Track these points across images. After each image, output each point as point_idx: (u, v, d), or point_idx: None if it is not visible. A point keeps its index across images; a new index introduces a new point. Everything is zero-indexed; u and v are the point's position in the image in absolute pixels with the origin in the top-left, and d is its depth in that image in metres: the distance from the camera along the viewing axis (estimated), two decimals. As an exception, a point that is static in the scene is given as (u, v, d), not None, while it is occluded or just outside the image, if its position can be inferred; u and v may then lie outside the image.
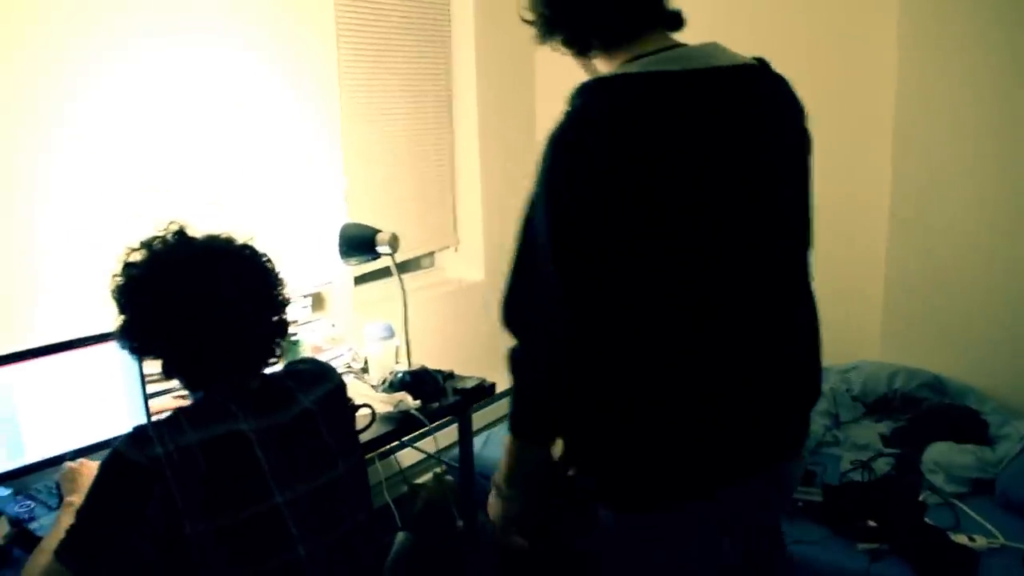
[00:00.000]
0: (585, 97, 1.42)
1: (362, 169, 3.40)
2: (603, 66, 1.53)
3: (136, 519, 1.40)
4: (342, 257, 2.80)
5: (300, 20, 2.99)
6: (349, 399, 1.77)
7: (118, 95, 2.50)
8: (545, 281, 1.42)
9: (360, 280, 3.45)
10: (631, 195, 1.36)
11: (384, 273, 3.53)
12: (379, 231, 2.76)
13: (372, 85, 3.45)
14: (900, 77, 3.27)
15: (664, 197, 1.38)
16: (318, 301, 3.19)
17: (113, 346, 2.14)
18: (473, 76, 3.85)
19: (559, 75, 3.95)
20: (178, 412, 1.51)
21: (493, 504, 1.72)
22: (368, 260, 2.84)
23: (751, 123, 1.46)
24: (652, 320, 1.42)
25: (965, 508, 2.69)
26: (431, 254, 4.08)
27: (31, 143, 2.33)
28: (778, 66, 1.54)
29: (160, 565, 1.44)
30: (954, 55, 3.16)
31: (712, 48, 1.48)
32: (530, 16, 1.58)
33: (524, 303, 1.47)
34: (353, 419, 1.78)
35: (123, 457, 1.43)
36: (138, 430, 1.47)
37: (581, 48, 1.55)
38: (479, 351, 3.94)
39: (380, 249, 2.74)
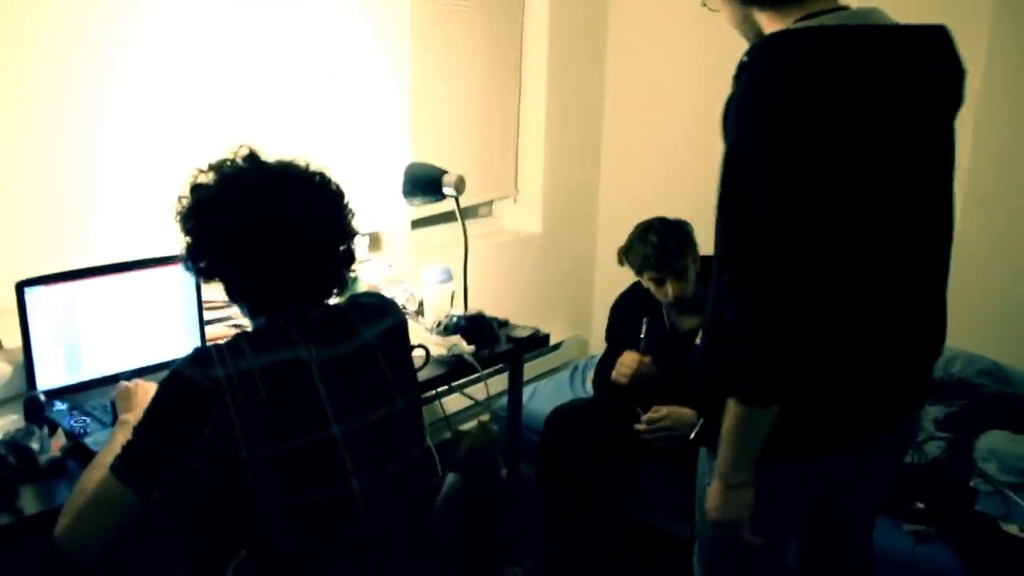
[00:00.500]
0: (778, 50, 1.44)
1: (428, 110, 3.36)
2: (769, 22, 1.52)
3: (193, 439, 1.40)
4: (405, 196, 2.76)
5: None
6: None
7: (183, 20, 2.47)
8: (765, 231, 1.40)
9: (416, 224, 3.42)
10: (835, 143, 1.38)
11: (439, 219, 3.51)
12: (445, 172, 2.72)
13: (445, 26, 3.39)
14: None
15: (861, 148, 1.40)
16: (375, 241, 3.18)
17: (174, 270, 2.18)
18: (546, 28, 3.80)
19: (631, 41, 4.01)
20: (240, 336, 1.50)
21: (720, 501, 1.57)
22: (431, 201, 2.81)
23: (931, 82, 1.49)
24: (843, 268, 1.44)
25: (1016, 498, 2.61)
26: (490, 203, 4.05)
27: (94, 65, 2.32)
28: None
29: (215, 486, 1.44)
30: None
31: (877, 10, 1.49)
32: None
33: (746, 254, 1.43)
34: (411, 356, 1.76)
35: (183, 376, 1.42)
36: (200, 351, 1.46)
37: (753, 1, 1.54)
38: (532, 301, 3.95)
39: (446, 190, 2.70)
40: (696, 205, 3.86)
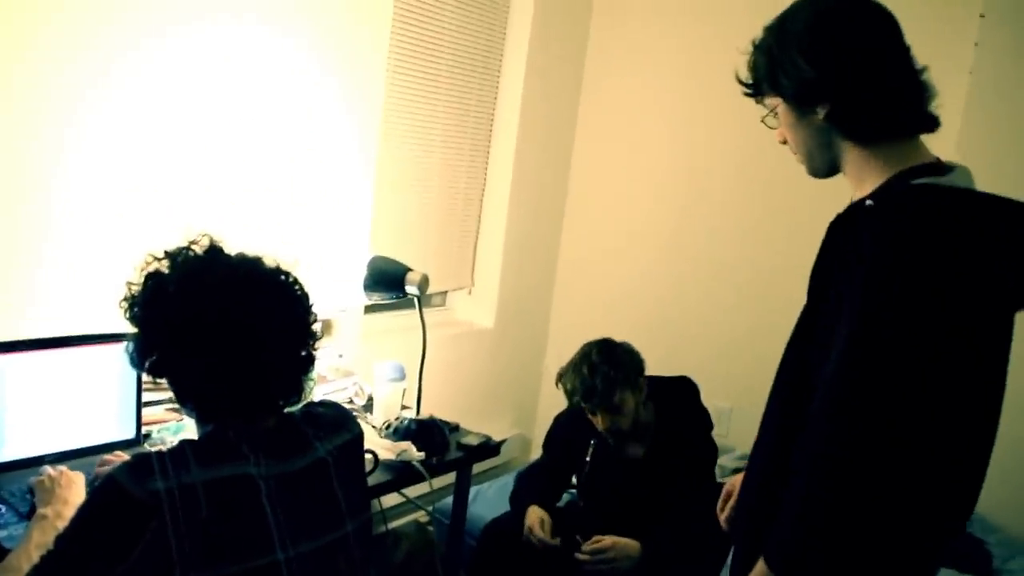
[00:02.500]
0: (933, 211, 1.31)
1: (389, 195, 3.31)
2: (862, 161, 1.41)
3: (122, 558, 1.27)
4: (366, 289, 2.68)
5: (355, 35, 2.90)
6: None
7: (141, 89, 2.38)
8: (909, 420, 1.29)
9: (369, 309, 3.33)
10: (983, 327, 1.32)
11: (395, 304, 3.43)
12: (410, 269, 2.64)
13: (415, 113, 3.36)
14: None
15: (989, 334, 1.34)
16: (325, 326, 3.08)
17: (112, 349, 2.05)
18: (515, 124, 3.80)
19: (597, 144, 4.04)
20: (185, 444, 1.39)
21: None
22: (392, 298, 2.73)
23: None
24: (930, 453, 1.33)
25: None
26: (443, 293, 3.97)
27: (48, 137, 2.22)
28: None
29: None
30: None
31: (969, 171, 1.40)
32: (788, 76, 1.41)
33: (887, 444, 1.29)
34: (365, 474, 1.65)
35: (119, 486, 1.29)
36: (140, 459, 1.34)
37: (847, 128, 1.41)
38: (479, 397, 3.88)
39: (409, 289, 2.62)
40: (647, 316, 3.90)
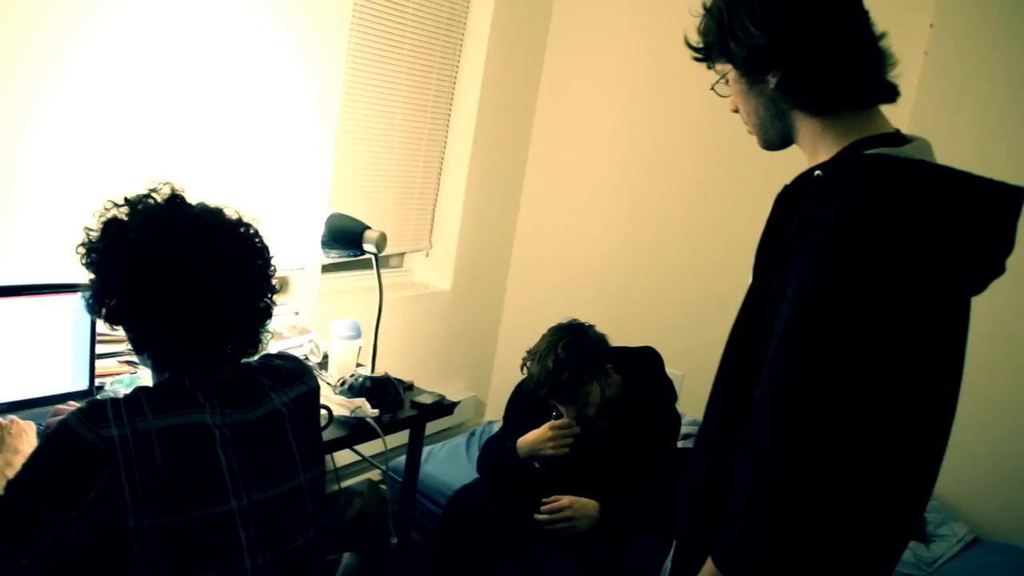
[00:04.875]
0: (887, 180, 1.24)
1: (350, 155, 3.29)
2: (814, 133, 1.36)
3: (75, 504, 1.27)
4: (323, 246, 2.67)
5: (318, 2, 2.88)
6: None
7: (105, 41, 2.34)
8: (864, 407, 1.22)
9: (326, 268, 3.32)
10: (940, 302, 1.26)
11: (352, 264, 3.43)
12: (368, 227, 2.64)
13: (378, 73, 3.34)
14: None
15: (948, 311, 1.29)
16: (282, 284, 3.07)
17: (67, 299, 2.03)
18: (478, 88, 3.78)
19: (558, 111, 4.03)
20: (140, 392, 1.39)
21: None
22: (350, 255, 2.73)
23: (994, 247, 1.33)
24: (888, 440, 1.29)
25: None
26: (401, 254, 3.97)
27: (8, 87, 2.18)
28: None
29: (94, 557, 1.31)
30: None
31: (930, 145, 1.34)
32: (738, 41, 1.34)
33: (827, 418, 1.22)
34: (320, 427, 1.66)
35: (73, 432, 1.30)
36: (94, 405, 1.34)
37: (800, 97, 1.35)
38: (434, 358, 3.89)
39: (366, 247, 2.62)
40: (603, 284, 3.94)
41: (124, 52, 2.37)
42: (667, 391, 2.73)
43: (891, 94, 1.35)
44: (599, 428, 2.62)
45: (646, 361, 2.75)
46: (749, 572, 1.28)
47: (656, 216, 3.83)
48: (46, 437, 1.33)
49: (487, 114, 3.85)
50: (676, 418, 2.74)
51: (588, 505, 2.54)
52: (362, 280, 3.54)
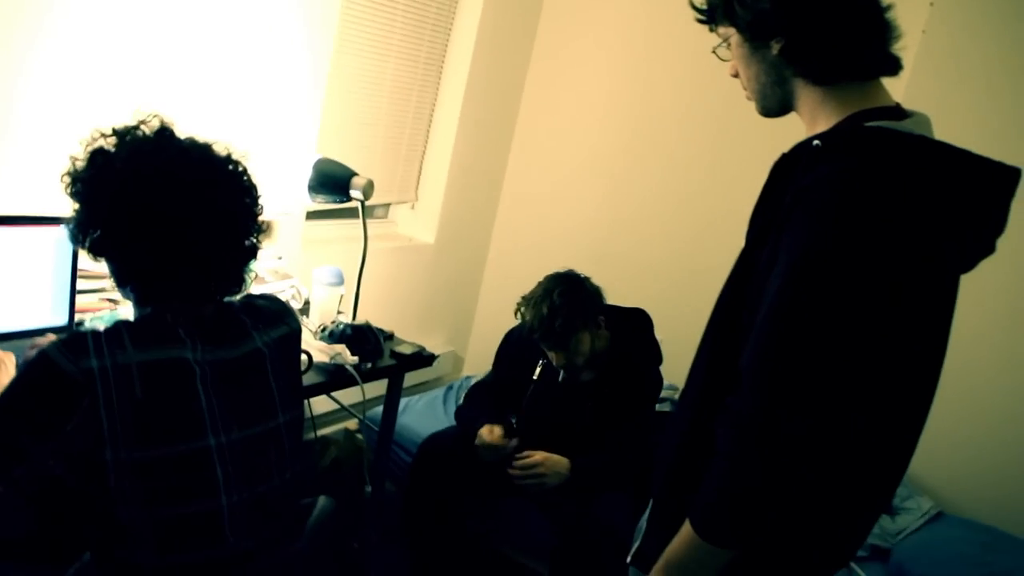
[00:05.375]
0: (885, 154, 1.23)
1: (341, 102, 3.26)
2: (815, 102, 1.34)
3: (53, 433, 1.28)
4: (310, 191, 2.65)
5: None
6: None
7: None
8: (846, 371, 1.22)
9: (310, 216, 3.31)
10: (933, 276, 1.26)
11: (334, 213, 3.41)
12: (355, 173, 2.62)
13: (373, 21, 3.29)
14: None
15: (941, 286, 1.29)
16: (266, 228, 3.04)
17: (48, 231, 2.01)
18: (471, 41, 3.75)
19: (551, 67, 4.00)
20: (121, 325, 1.38)
21: None
22: (336, 201, 2.70)
23: (987, 227, 1.33)
24: (872, 409, 1.29)
25: (858, 570, 2.69)
26: (387, 205, 3.95)
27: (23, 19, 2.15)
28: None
29: (71, 488, 1.32)
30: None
31: (930, 121, 1.33)
32: (744, 5, 1.32)
33: (819, 397, 1.22)
34: (300, 370, 1.66)
35: (52, 362, 1.29)
36: (74, 336, 1.33)
37: (802, 65, 1.33)
38: (415, 311, 3.89)
39: (353, 193, 2.60)
40: (588, 244, 3.94)
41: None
42: (653, 352, 2.76)
43: (894, 66, 1.34)
44: (582, 378, 2.66)
45: (636, 321, 2.78)
46: (726, 536, 1.29)
47: (643, 181, 3.83)
48: (25, 366, 1.33)
49: (479, 69, 3.82)
50: (658, 379, 2.76)
51: (560, 463, 2.57)
52: (346, 228, 3.52)
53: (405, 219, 4.00)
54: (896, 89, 1.37)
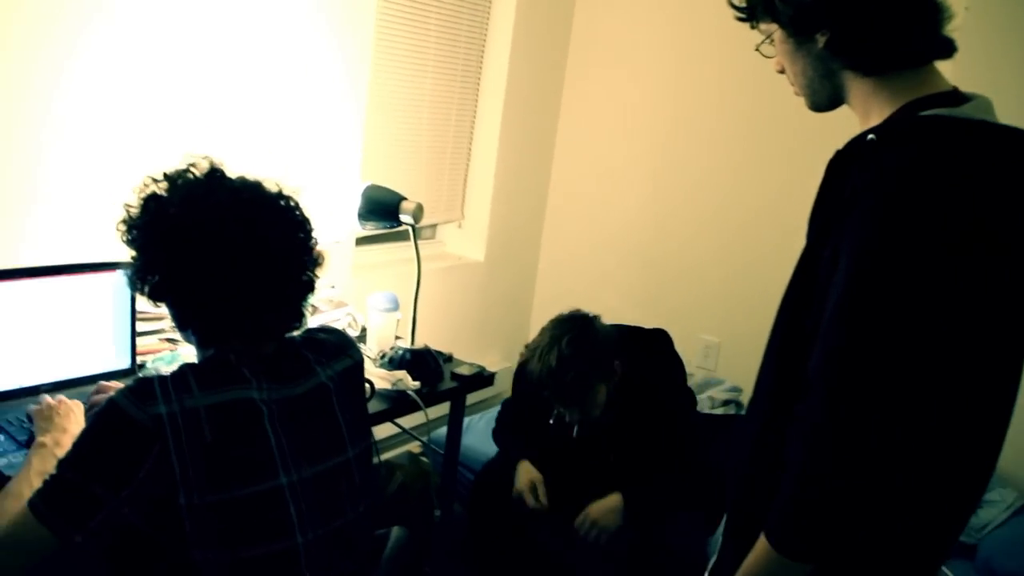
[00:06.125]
0: (947, 145, 1.18)
1: (381, 126, 3.26)
2: (866, 92, 1.29)
3: (127, 482, 1.28)
4: (360, 218, 2.65)
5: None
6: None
7: (137, 17, 2.33)
8: (920, 373, 1.18)
9: (360, 241, 3.31)
10: (1006, 271, 1.20)
11: (386, 237, 3.41)
12: (404, 198, 2.61)
13: (406, 43, 3.30)
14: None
15: (1001, 278, 1.21)
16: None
17: (107, 277, 2.03)
18: (506, 54, 3.74)
19: (588, 77, 3.99)
20: (186, 368, 1.38)
21: None
22: (386, 227, 2.70)
23: None
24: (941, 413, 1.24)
25: (945, 570, 2.62)
26: (434, 226, 3.95)
27: (45, 64, 2.16)
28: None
29: (145, 534, 1.31)
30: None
31: (990, 102, 1.27)
32: (785, 1, 1.28)
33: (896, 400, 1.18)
34: (365, 401, 1.65)
35: (121, 411, 1.30)
36: (142, 383, 1.33)
37: (850, 57, 1.28)
38: (470, 329, 3.88)
39: (403, 218, 2.59)
40: (637, 250, 3.90)
41: (156, 28, 2.35)
42: (672, 369, 2.57)
43: (947, 50, 1.28)
44: (599, 422, 2.46)
45: (654, 344, 2.57)
46: (803, 550, 1.25)
47: (686, 178, 3.79)
48: (95, 416, 1.33)
49: (516, 80, 3.80)
50: (684, 396, 2.59)
51: (608, 505, 2.42)
52: (395, 252, 3.52)
53: (453, 238, 3.99)
54: (943, 69, 1.32)
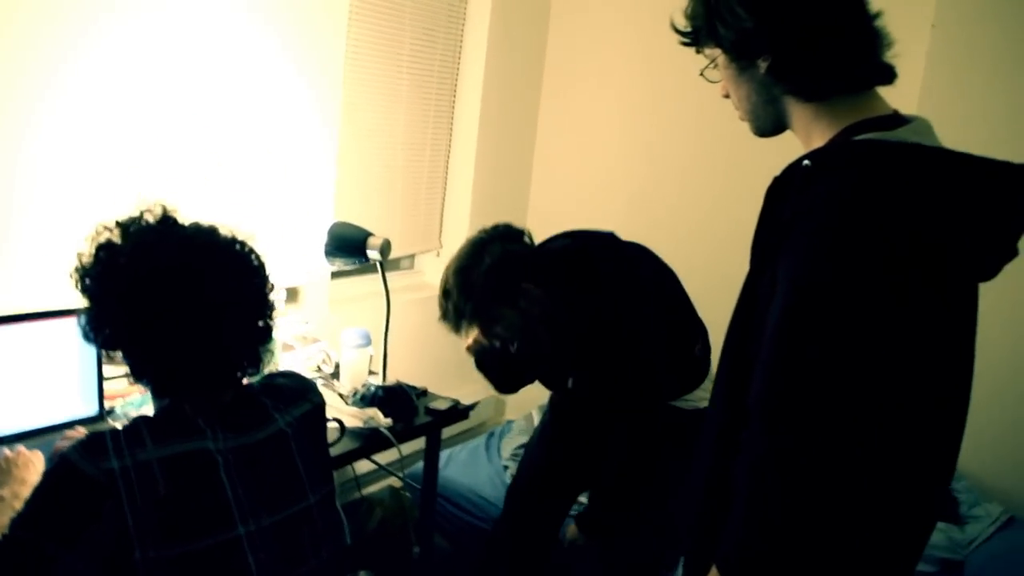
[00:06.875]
0: (881, 168, 1.18)
1: (355, 160, 3.26)
2: (807, 118, 1.30)
3: (80, 539, 1.25)
4: (327, 256, 2.63)
5: (312, 3, 2.83)
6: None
7: (110, 64, 2.32)
8: (856, 391, 1.16)
9: (337, 275, 3.30)
10: (943, 292, 1.18)
11: (362, 269, 3.39)
12: (371, 234, 2.60)
13: (377, 77, 3.30)
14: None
15: (956, 300, 1.22)
16: (291, 294, 3.04)
17: (68, 323, 2.00)
18: (480, 81, 3.75)
19: (562, 107, 4.00)
20: (139, 421, 1.36)
21: None
22: (354, 263, 2.69)
23: (1005, 232, 1.24)
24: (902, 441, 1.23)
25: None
26: (412, 256, 3.94)
27: (9, 113, 2.15)
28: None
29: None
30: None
31: (931, 126, 1.26)
32: (726, 24, 1.29)
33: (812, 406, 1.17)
34: (327, 445, 1.63)
35: (73, 466, 1.27)
36: (93, 437, 1.31)
37: (791, 83, 1.29)
38: (448, 359, 3.82)
39: (370, 254, 2.58)
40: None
41: (119, 64, 2.34)
42: (617, 290, 2.24)
43: (887, 76, 1.29)
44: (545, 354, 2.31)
45: (605, 263, 2.30)
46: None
47: (663, 199, 3.80)
48: (47, 472, 1.31)
49: (490, 107, 3.81)
50: (631, 323, 2.22)
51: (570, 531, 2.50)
52: (375, 284, 3.49)
53: (432, 268, 3.98)
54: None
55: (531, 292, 2.18)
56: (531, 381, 2.47)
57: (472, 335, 2.31)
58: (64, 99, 2.24)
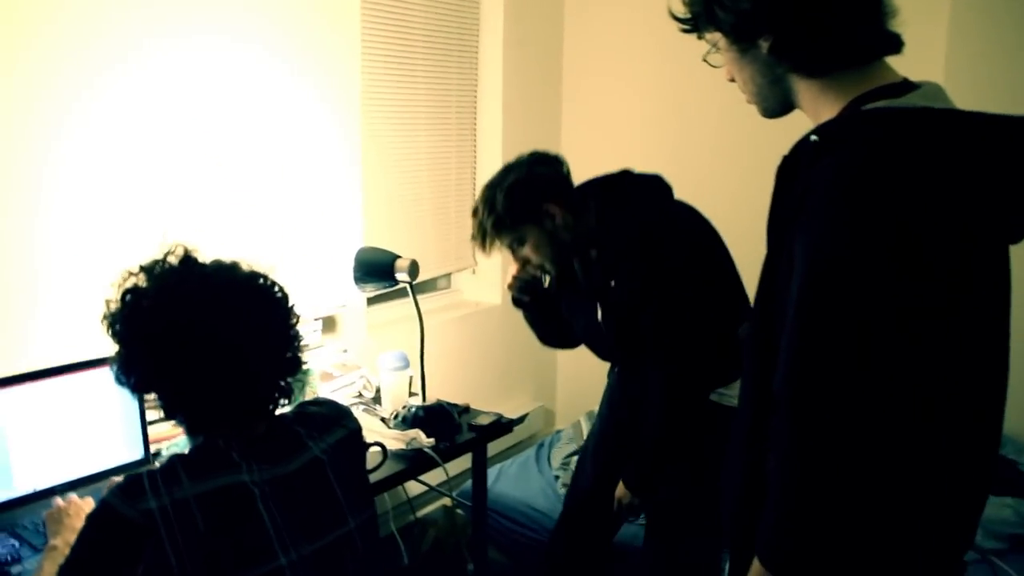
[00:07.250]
0: (889, 135, 1.15)
1: (380, 184, 3.28)
2: (813, 95, 1.28)
3: None
4: (356, 283, 2.66)
5: (325, 31, 2.87)
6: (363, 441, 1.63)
7: (127, 104, 2.36)
8: (877, 367, 1.14)
9: (374, 300, 3.32)
10: (957, 263, 1.15)
11: (399, 293, 3.42)
12: (398, 256, 2.62)
13: (395, 98, 3.33)
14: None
15: (974, 270, 1.18)
16: (328, 323, 3.07)
17: (107, 372, 2.03)
18: (499, 93, 3.76)
19: (586, 99, 3.99)
20: (175, 460, 1.38)
21: None
22: (385, 287, 2.71)
23: (1019, 189, 1.20)
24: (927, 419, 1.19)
25: (1004, 566, 2.55)
26: (448, 275, 3.95)
27: (34, 152, 2.20)
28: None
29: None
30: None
31: (944, 91, 1.24)
32: (724, 8, 1.27)
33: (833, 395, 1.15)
34: (365, 469, 1.64)
35: (112, 510, 1.30)
36: (131, 480, 1.33)
37: (794, 60, 1.27)
38: (494, 374, 3.85)
39: (399, 276, 2.60)
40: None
41: (141, 105, 2.38)
42: (634, 225, 2.28)
43: (894, 45, 1.26)
44: (592, 264, 2.32)
45: (632, 195, 2.36)
46: (794, 567, 1.22)
47: (693, 193, 3.75)
48: (88, 518, 1.33)
49: (513, 117, 3.82)
50: (670, 258, 2.23)
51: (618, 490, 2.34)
52: (411, 306, 3.52)
53: (469, 285, 3.99)
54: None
55: (554, 213, 2.24)
56: (574, 336, 2.51)
57: (509, 271, 2.43)
58: (85, 134, 2.29)
